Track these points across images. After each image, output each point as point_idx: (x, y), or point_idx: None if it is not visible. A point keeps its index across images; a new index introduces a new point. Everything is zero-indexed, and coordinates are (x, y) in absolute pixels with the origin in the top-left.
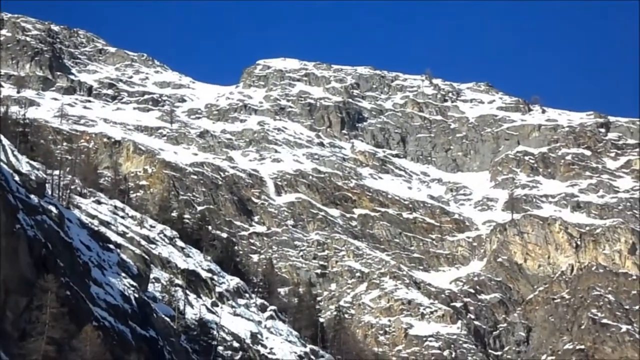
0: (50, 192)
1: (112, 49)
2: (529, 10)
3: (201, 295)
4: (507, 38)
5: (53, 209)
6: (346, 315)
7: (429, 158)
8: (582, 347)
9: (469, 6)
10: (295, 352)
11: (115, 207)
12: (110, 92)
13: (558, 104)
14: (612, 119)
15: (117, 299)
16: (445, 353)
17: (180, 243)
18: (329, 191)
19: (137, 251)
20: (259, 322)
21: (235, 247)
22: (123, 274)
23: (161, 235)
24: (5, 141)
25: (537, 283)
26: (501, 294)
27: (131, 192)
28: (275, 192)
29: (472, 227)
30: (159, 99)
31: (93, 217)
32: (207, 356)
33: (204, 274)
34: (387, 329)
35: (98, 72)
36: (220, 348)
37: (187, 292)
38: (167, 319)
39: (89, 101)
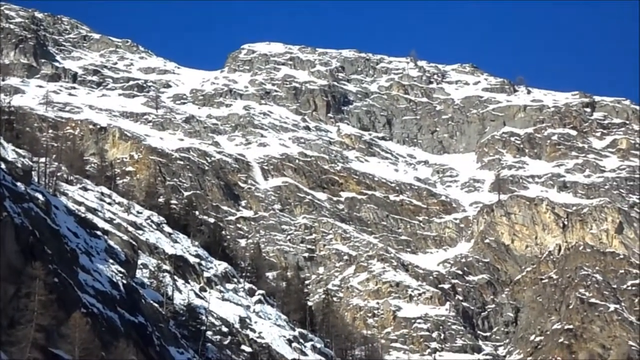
0: (36, 180)
1: (97, 36)
2: None
3: (189, 280)
4: (491, 18)
5: (40, 196)
6: (334, 299)
7: (415, 140)
8: (571, 326)
9: None
10: (284, 336)
11: (102, 193)
12: (95, 78)
13: (543, 84)
14: (597, 98)
15: (105, 286)
16: (434, 334)
17: (167, 229)
18: (315, 175)
19: (125, 237)
20: (248, 307)
21: (223, 232)
22: (111, 261)
23: (148, 221)
24: None
25: (525, 263)
26: (489, 275)
27: (117, 178)
28: (262, 176)
29: (459, 209)
30: (144, 85)
31: (80, 204)
32: (196, 341)
33: (192, 260)
34: (375, 311)
35: (83, 58)
36: (209, 333)
37: (175, 277)
38: (156, 305)
39: (74, 88)
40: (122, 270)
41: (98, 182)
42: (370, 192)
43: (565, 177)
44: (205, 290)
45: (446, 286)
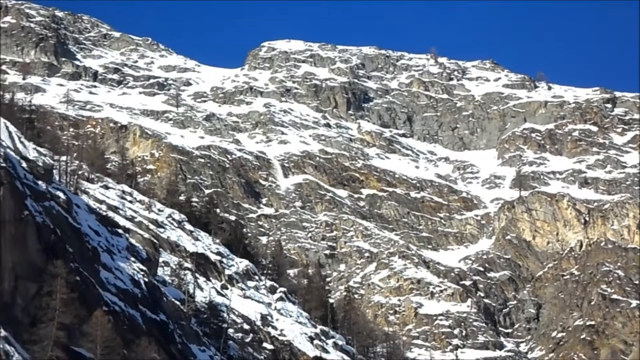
0: (57, 178)
1: (117, 34)
2: None
3: (210, 278)
4: (511, 14)
5: (61, 194)
6: (356, 296)
7: (436, 137)
8: (593, 322)
9: None
10: (306, 333)
11: (123, 191)
12: (115, 77)
13: (564, 80)
14: (618, 94)
15: (126, 284)
16: (456, 331)
17: (188, 226)
18: (336, 172)
19: (146, 235)
20: (269, 304)
21: (244, 230)
22: (132, 259)
23: (169, 219)
24: (11, 128)
25: (546, 260)
26: (510, 271)
27: (138, 176)
28: (282, 174)
29: (480, 205)
30: (165, 83)
31: (101, 202)
32: (217, 339)
33: (213, 257)
34: (397, 308)
35: (103, 57)
36: (230, 330)
37: (197, 275)
38: (177, 303)
39: (95, 86)
40: (144, 268)
41: (119, 180)
42: (391, 189)
43: (587, 173)
44: (227, 288)
45: (467, 283)
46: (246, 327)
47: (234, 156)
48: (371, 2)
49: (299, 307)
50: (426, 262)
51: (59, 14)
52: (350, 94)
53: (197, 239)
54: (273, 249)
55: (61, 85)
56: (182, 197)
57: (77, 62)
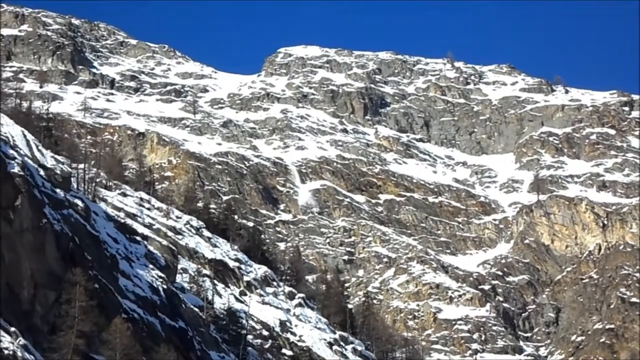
0: (75, 186)
1: (133, 41)
2: None
3: (229, 284)
4: (528, 18)
5: (79, 202)
6: (374, 301)
7: (453, 141)
8: (612, 326)
9: None
10: (325, 339)
11: (141, 199)
12: (132, 84)
13: (581, 84)
14: (635, 97)
15: (145, 291)
16: (475, 336)
17: (206, 233)
18: (353, 177)
19: (164, 242)
20: (288, 310)
21: (262, 236)
22: (151, 266)
23: (187, 225)
24: (29, 136)
25: (565, 264)
26: (529, 275)
27: (156, 183)
28: (300, 179)
29: (498, 210)
30: (182, 90)
31: (119, 209)
32: (236, 345)
33: (232, 264)
34: (416, 313)
35: (120, 64)
36: (249, 337)
37: (215, 282)
38: (196, 309)
39: (112, 94)
40: (162, 275)
41: (137, 187)
42: (408, 194)
43: (605, 176)
44: (245, 294)
45: (486, 287)
46: (265, 333)
47: (251, 162)
48: (387, 7)
49: (317, 312)
50: (445, 266)
51: (76, 22)
52: (367, 99)
53: (215, 246)
54: (291, 254)
55: (78, 93)
56: (200, 204)
57: (94, 70)
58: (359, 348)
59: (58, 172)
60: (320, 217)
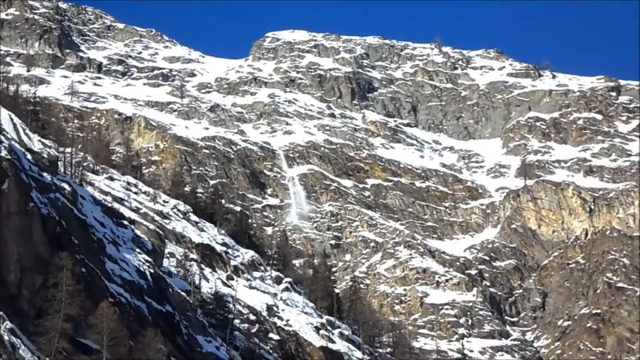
0: (62, 170)
1: (121, 25)
2: None
3: (216, 269)
4: (515, 3)
5: (66, 186)
6: (361, 286)
7: (440, 126)
8: (599, 311)
9: None
10: (312, 324)
11: (128, 183)
12: (120, 68)
13: (568, 69)
14: (622, 82)
15: (132, 275)
16: (462, 320)
17: (194, 217)
18: (341, 162)
19: (151, 226)
20: (275, 295)
21: (249, 220)
22: (138, 250)
23: (175, 210)
24: (16, 120)
25: (552, 248)
26: (516, 260)
27: (143, 167)
28: (287, 164)
29: (485, 194)
30: (169, 74)
31: (106, 193)
32: (223, 330)
33: (219, 248)
34: (402, 298)
35: (107, 48)
36: (236, 321)
37: (202, 266)
38: (183, 294)
39: (99, 78)
40: (149, 259)
41: (124, 171)
42: (396, 179)
43: (592, 161)
44: (232, 279)
45: (473, 272)
46: (252, 317)
47: (238, 147)
48: None
49: (304, 297)
50: (431, 251)
51: (63, 5)
52: (355, 83)
53: (202, 230)
54: (278, 239)
55: (65, 77)
56: (187, 188)
57: (81, 54)
58: (346, 332)
59: (45, 156)
60: (307, 202)
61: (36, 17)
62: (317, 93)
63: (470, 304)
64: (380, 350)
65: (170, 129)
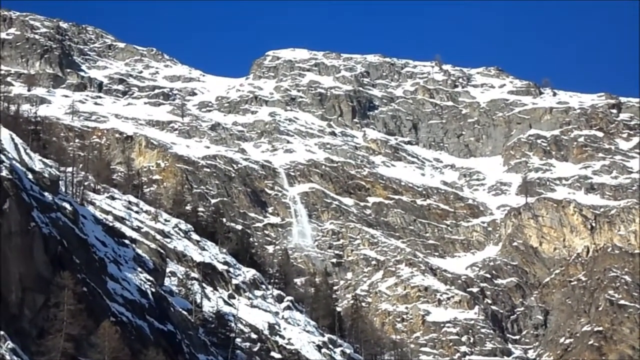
0: (64, 189)
1: (121, 45)
2: None
3: (218, 287)
4: (515, 21)
5: (67, 205)
6: (363, 304)
7: (441, 144)
8: (600, 328)
9: None
10: (314, 342)
11: (129, 202)
12: (120, 87)
13: (569, 86)
14: (623, 99)
15: (134, 294)
16: (464, 338)
17: (195, 236)
18: (342, 180)
19: (153, 245)
20: (276, 313)
21: (250, 239)
22: (139, 269)
23: (176, 229)
24: (17, 139)
25: (553, 266)
26: (517, 278)
27: (144, 186)
28: (288, 182)
29: (487, 212)
30: (170, 93)
31: (107, 212)
32: (225, 348)
33: (220, 267)
34: (404, 316)
35: (108, 67)
36: (238, 340)
37: (204, 285)
38: (185, 313)
39: (100, 97)
40: (151, 278)
41: (125, 190)
42: (397, 197)
43: (593, 178)
44: (234, 297)
45: (475, 290)
46: (254, 336)
47: (239, 165)
48: (375, 10)
49: (306, 315)
50: (433, 269)
51: (64, 25)
52: (355, 102)
53: (203, 249)
54: (280, 257)
55: (66, 96)
56: (188, 207)
57: (82, 73)
58: (348, 351)
59: (46, 175)
60: (308, 220)
61: (37, 36)
62: (318, 111)
63: (472, 321)
64: None
65: (171, 148)
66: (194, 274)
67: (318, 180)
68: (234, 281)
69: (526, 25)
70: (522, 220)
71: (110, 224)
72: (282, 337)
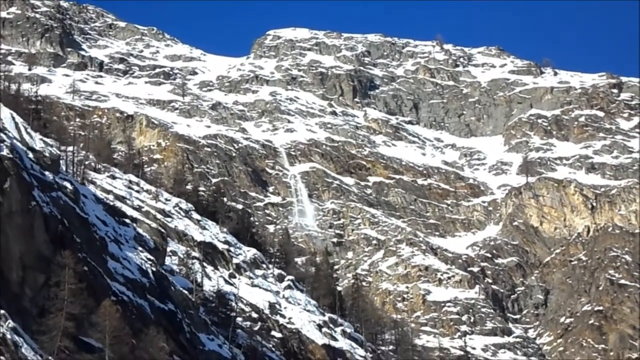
0: (64, 169)
1: (122, 24)
2: None
3: (218, 267)
4: (516, 1)
5: (68, 185)
6: (364, 283)
7: (442, 124)
8: (601, 308)
9: None
10: (314, 321)
11: (130, 181)
12: (121, 66)
13: (570, 66)
14: (624, 79)
15: (134, 273)
16: (464, 318)
17: (196, 215)
18: (343, 160)
19: (153, 225)
20: (277, 292)
21: (251, 218)
22: (140, 248)
23: (177, 208)
24: (18, 119)
25: (554, 245)
26: (518, 257)
27: (145, 166)
28: (288, 162)
29: (487, 192)
30: (171, 73)
31: (108, 192)
32: (226, 327)
33: (221, 246)
34: (405, 295)
35: (109, 47)
36: (239, 319)
37: (205, 264)
38: (185, 292)
39: (101, 76)
40: (151, 257)
41: (126, 170)
42: (397, 177)
43: (593, 158)
44: (235, 277)
45: (475, 269)
46: (254, 315)
47: (240, 145)
48: None
49: (307, 295)
50: (434, 249)
51: (64, 4)
52: (356, 81)
53: (204, 228)
54: (280, 237)
55: (67, 75)
56: (189, 187)
57: (82, 53)
58: (348, 330)
59: (47, 154)
60: (309, 200)
61: (37, 15)
62: (319, 91)
63: (473, 301)
64: (383, 348)
65: (172, 127)
66: (195, 253)
67: (319, 159)
68: (235, 260)
69: (527, 5)
70: (522, 200)
71: (111, 203)
72: (283, 316)
